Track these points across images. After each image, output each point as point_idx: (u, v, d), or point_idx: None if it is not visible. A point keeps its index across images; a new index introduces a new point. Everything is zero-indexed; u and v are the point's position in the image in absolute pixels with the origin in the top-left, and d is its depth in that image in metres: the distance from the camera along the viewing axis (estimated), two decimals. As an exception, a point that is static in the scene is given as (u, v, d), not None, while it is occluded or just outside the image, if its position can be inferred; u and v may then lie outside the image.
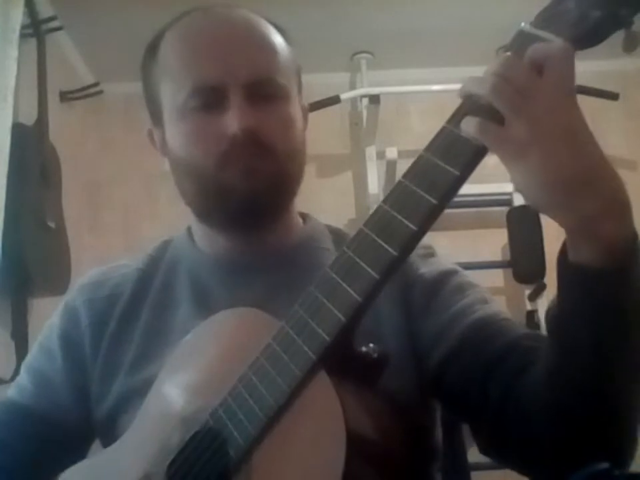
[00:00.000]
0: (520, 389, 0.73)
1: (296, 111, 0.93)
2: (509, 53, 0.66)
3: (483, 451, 0.80)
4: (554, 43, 0.64)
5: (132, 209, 2.99)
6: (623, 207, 0.63)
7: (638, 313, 0.65)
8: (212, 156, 0.87)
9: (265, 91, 0.88)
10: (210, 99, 0.87)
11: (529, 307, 2.75)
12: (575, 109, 0.63)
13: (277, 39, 0.93)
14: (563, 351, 0.68)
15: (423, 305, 0.89)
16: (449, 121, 0.66)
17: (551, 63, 0.63)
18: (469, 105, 0.65)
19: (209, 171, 0.88)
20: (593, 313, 0.64)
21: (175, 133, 0.91)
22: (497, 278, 2.92)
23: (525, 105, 0.62)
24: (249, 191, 0.87)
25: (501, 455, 0.80)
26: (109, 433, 0.91)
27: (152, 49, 0.95)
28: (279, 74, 0.90)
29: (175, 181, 0.95)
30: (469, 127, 0.64)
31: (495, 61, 0.65)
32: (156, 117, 0.95)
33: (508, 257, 2.80)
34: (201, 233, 0.99)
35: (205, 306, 0.91)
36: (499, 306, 0.89)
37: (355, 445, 0.62)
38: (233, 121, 0.85)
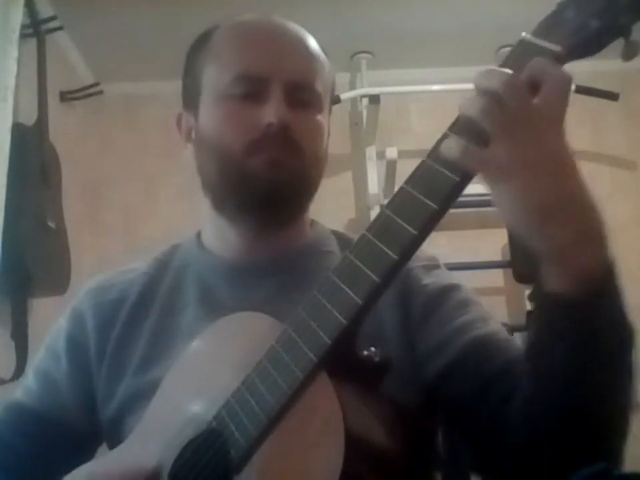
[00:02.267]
0: (507, 412, 0.74)
1: (325, 121, 0.96)
2: (506, 70, 0.65)
3: (470, 467, 0.81)
4: (557, 68, 0.64)
5: (132, 209, 2.99)
6: (599, 238, 0.64)
7: (611, 341, 0.65)
8: (241, 142, 0.89)
9: (302, 95, 0.91)
10: (251, 88, 0.90)
11: (528, 307, 2.75)
12: (562, 137, 0.64)
13: (322, 54, 0.96)
14: (538, 377, 0.69)
15: (422, 316, 0.90)
16: (450, 129, 0.67)
17: (550, 88, 0.63)
18: (463, 122, 0.65)
19: (235, 157, 0.89)
20: (566, 341, 0.65)
21: (210, 115, 0.93)
22: (497, 278, 2.92)
23: (514, 128, 0.62)
24: (271, 181, 0.88)
25: (486, 473, 0.81)
26: (114, 434, 0.92)
27: (203, 37, 0.97)
28: (318, 82, 0.93)
29: (198, 166, 0.96)
30: (450, 150, 0.64)
31: (490, 77, 0.64)
32: (191, 100, 0.96)
33: (508, 257, 2.80)
34: (212, 231, 0.99)
35: (212, 308, 0.92)
36: (499, 325, 0.89)
37: (354, 447, 0.62)
38: (270, 111, 0.88)
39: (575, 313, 0.63)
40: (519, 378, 0.74)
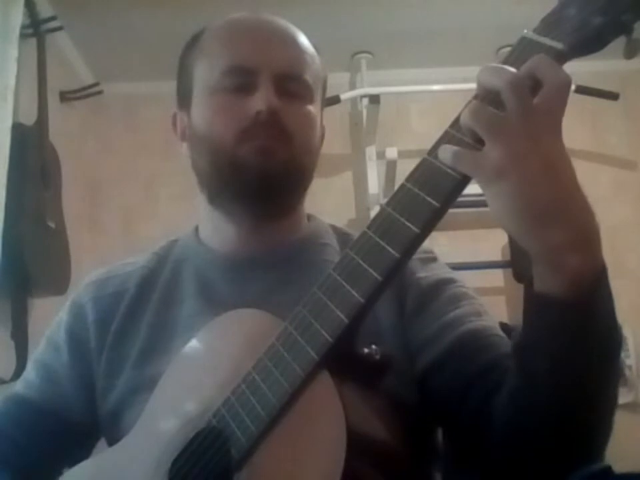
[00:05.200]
0: (491, 407, 0.74)
1: (317, 113, 0.97)
2: (510, 69, 0.64)
3: (456, 464, 0.81)
4: (558, 68, 0.63)
5: (132, 209, 2.99)
6: (592, 240, 0.63)
7: (598, 344, 0.65)
8: (232, 131, 0.90)
9: (292, 85, 0.92)
10: (241, 80, 0.91)
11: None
12: (559, 139, 0.63)
13: (311, 48, 0.98)
14: (523, 375, 0.69)
15: (415, 308, 0.90)
16: (452, 126, 0.67)
17: (549, 89, 0.62)
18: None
19: (226, 147, 0.90)
20: (552, 342, 0.65)
21: (201, 109, 0.94)
22: (497, 278, 2.92)
23: (509, 129, 0.61)
24: (262, 169, 0.89)
25: (470, 470, 0.81)
26: (113, 428, 0.92)
27: (194, 38, 0.99)
28: (307, 74, 0.94)
29: (192, 163, 0.97)
30: (445, 156, 0.64)
31: (493, 74, 0.64)
32: (184, 99, 0.98)
33: (508, 257, 2.80)
34: (209, 226, 1.00)
35: (210, 302, 0.92)
36: (493, 320, 0.89)
37: (356, 444, 0.62)
38: (259, 100, 0.89)
39: (564, 314, 0.63)
40: (506, 374, 0.74)
